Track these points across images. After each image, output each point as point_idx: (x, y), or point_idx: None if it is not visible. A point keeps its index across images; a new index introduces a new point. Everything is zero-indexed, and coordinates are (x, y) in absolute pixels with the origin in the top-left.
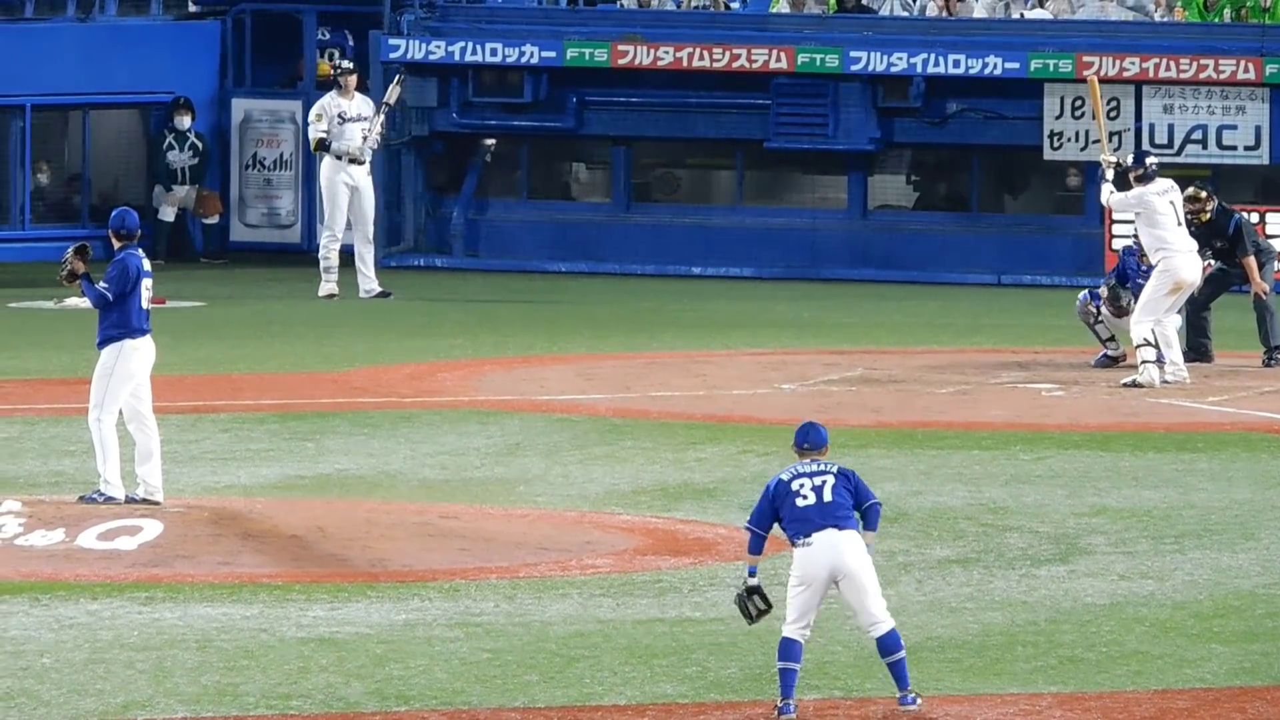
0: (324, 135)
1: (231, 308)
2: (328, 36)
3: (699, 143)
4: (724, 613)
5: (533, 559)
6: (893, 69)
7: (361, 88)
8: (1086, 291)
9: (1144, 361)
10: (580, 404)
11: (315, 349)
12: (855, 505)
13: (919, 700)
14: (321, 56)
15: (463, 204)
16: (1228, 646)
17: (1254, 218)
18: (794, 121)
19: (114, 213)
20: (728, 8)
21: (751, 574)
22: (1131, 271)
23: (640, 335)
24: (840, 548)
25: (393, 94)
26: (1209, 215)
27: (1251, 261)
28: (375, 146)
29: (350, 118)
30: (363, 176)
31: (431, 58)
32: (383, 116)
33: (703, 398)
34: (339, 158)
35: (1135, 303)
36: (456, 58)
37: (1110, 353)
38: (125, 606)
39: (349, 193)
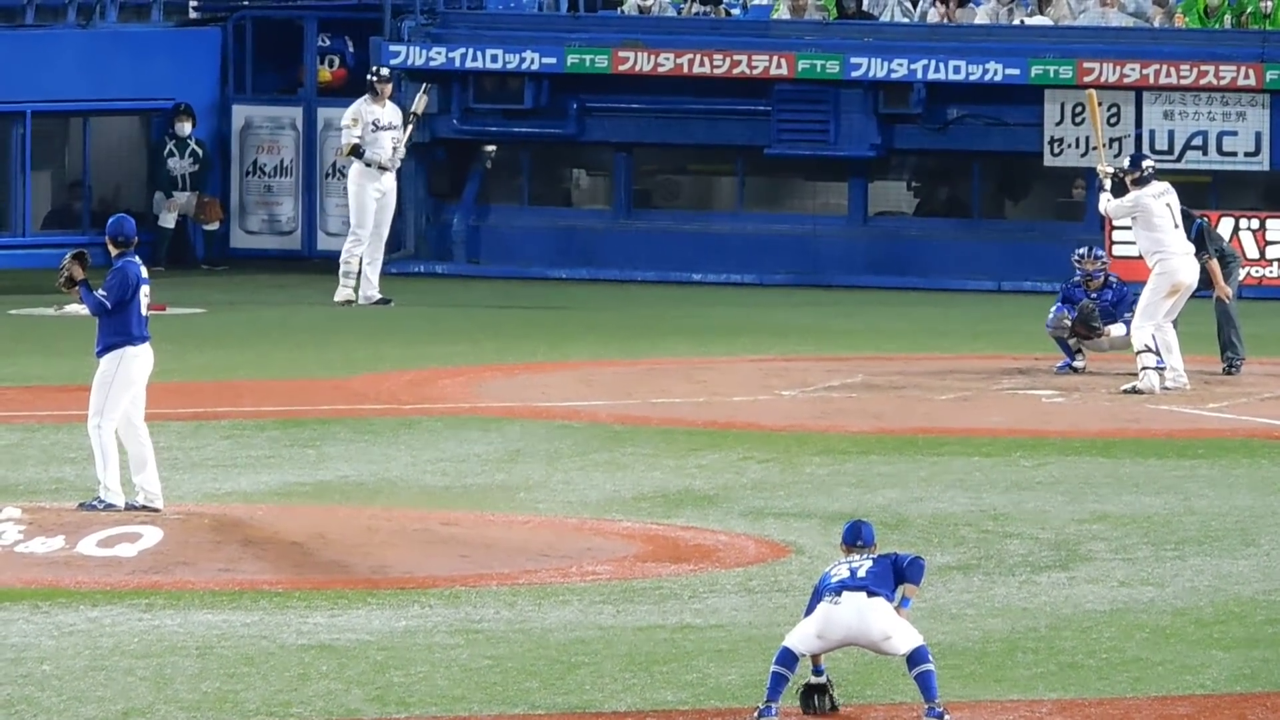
0: (359, 141)
1: (232, 314)
2: (328, 43)
3: (700, 149)
4: (724, 619)
5: (533, 566)
6: (893, 75)
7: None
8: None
9: (1144, 368)
10: (581, 410)
11: (316, 355)
12: (898, 573)
13: (946, 715)
14: (322, 63)
15: (464, 210)
16: (1228, 653)
17: (1254, 224)
18: (795, 128)
19: (111, 220)
20: (729, 14)
21: (817, 672)
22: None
23: (641, 342)
24: (865, 614)
25: (420, 103)
26: None
27: (1215, 265)
28: (404, 156)
29: (383, 126)
30: (391, 184)
31: (432, 64)
32: (411, 126)
33: (704, 404)
34: (369, 165)
35: (1104, 325)
36: (457, 64)
37: (1074, 364)
38: (125, 613)
39: (377, 201)
